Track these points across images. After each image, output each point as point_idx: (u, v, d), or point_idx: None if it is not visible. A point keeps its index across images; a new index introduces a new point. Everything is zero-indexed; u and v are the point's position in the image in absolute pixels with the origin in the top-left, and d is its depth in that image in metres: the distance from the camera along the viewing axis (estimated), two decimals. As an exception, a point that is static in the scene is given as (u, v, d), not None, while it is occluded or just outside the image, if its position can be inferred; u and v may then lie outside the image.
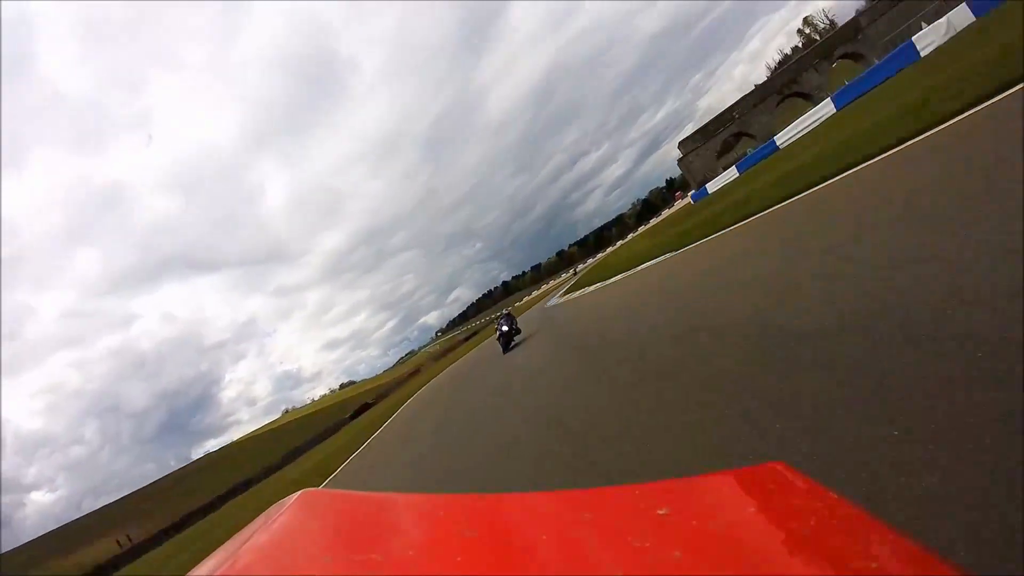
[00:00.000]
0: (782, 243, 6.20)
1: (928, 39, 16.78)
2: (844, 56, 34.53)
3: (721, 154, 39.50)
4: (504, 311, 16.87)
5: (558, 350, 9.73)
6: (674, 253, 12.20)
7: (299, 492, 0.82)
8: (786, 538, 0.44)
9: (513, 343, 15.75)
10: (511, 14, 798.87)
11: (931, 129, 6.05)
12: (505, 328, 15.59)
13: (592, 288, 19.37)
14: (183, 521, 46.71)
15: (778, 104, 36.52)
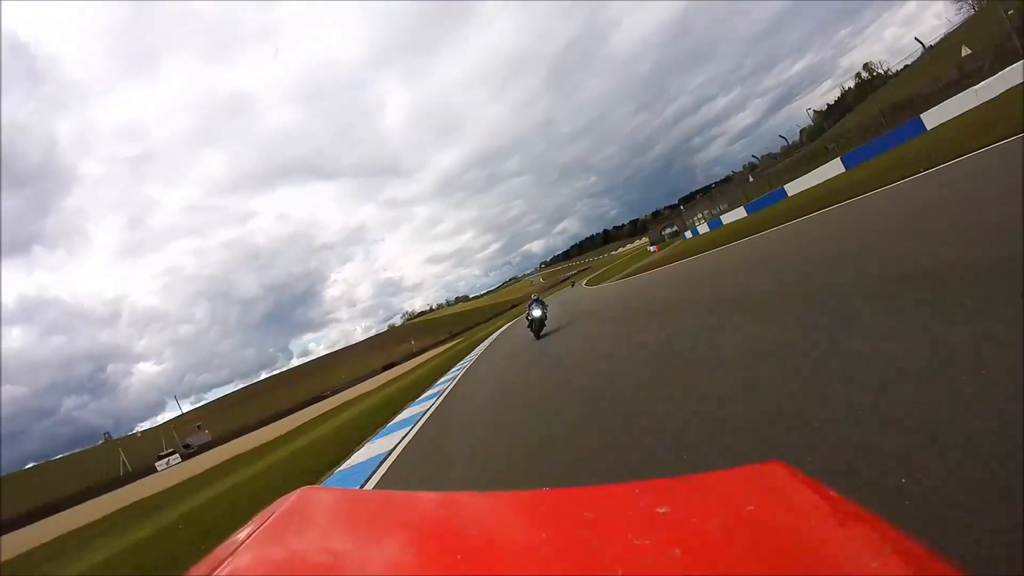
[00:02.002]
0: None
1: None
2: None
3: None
4: (534, 296, 15.91)
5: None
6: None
7: (298, 490, 0.82)
8: (786, 536, 0.44)
9: (544, 330, 14.96)
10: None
11: None
12: (537, 313, 14.69)
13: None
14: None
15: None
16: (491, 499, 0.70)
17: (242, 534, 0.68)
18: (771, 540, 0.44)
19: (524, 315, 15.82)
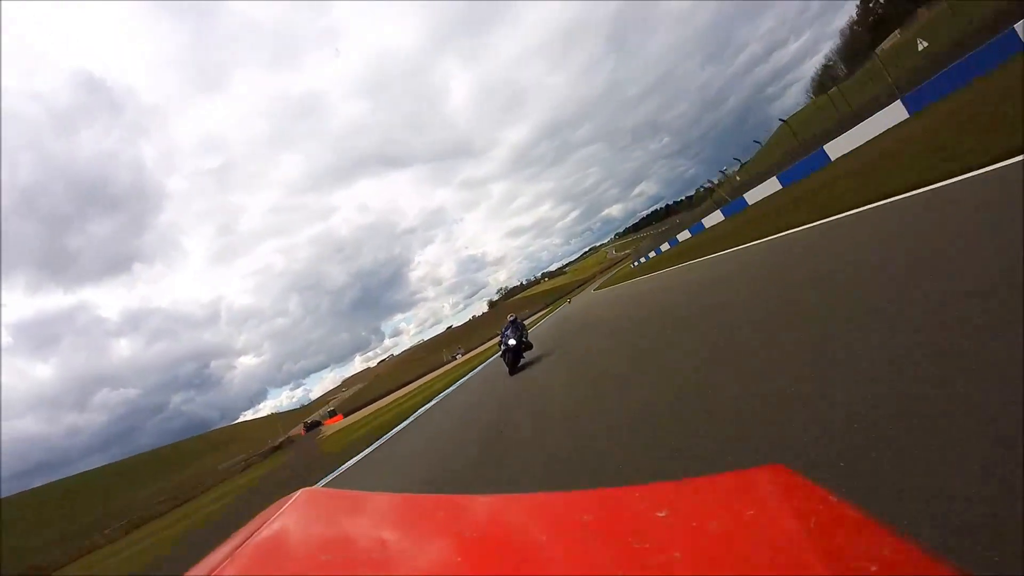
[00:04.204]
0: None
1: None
2: None
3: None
4: (510, 318, 12.14)
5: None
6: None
7: (299, 491, 0.82)
8: (785, 540, 0.43)
9: (523, 361, 11.54)
10: None
11: None
12: (512, 342, 11.17)
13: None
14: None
15: None
16: (491, 502, 0.69)
17: (242, 535, 0.68)
18: (771, 544, 0.43)
19: (499, 342, 12.10)
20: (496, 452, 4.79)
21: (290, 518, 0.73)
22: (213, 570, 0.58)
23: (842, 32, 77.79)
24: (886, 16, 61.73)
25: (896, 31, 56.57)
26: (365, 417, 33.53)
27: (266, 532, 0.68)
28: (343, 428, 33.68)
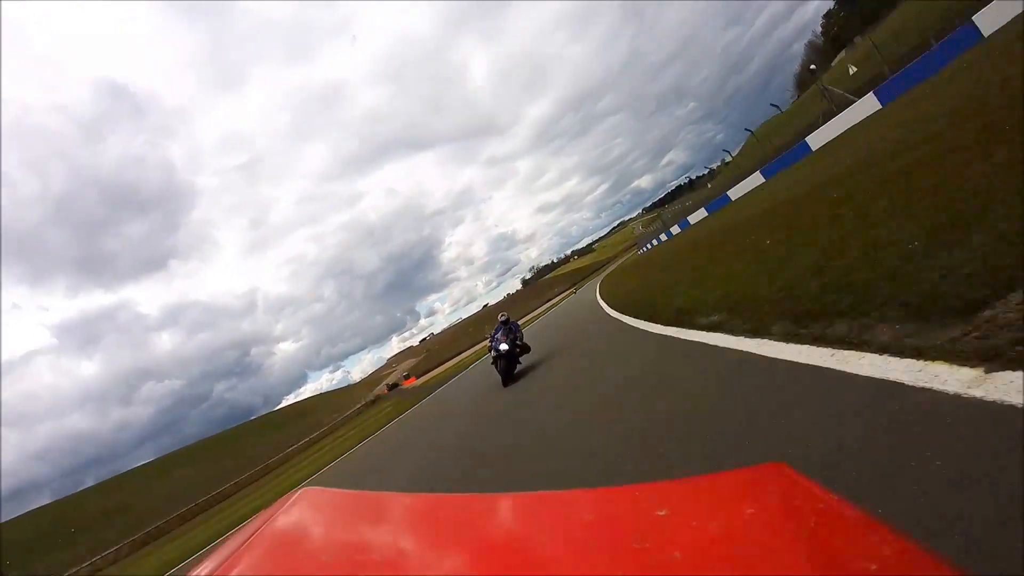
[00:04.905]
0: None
1: None
2: None
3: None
4: (502, 317, 9.81)
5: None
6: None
7: (300, 490, 0.82)
8: (786, 539, 0.43)
9: (519, 368, 9.37)
10: None
11: None
12: (504, 347, 8.90)
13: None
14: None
15: None
16: (492, 501, 0.69)
17: (244, 534, 0.68)
18: (771, 542, 0.43)
19: (488, 347, 10.03)
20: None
21: (291, 517, 0.73)
22: (215, 569, 0.58)
23: (811, 42, 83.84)
24: (840, 35, 66.59)
25: (843, 51, 61.01)
26: (433, 376, 43.08)
27: (267, 531, 0.68)
28: (420, 384, 42.05)
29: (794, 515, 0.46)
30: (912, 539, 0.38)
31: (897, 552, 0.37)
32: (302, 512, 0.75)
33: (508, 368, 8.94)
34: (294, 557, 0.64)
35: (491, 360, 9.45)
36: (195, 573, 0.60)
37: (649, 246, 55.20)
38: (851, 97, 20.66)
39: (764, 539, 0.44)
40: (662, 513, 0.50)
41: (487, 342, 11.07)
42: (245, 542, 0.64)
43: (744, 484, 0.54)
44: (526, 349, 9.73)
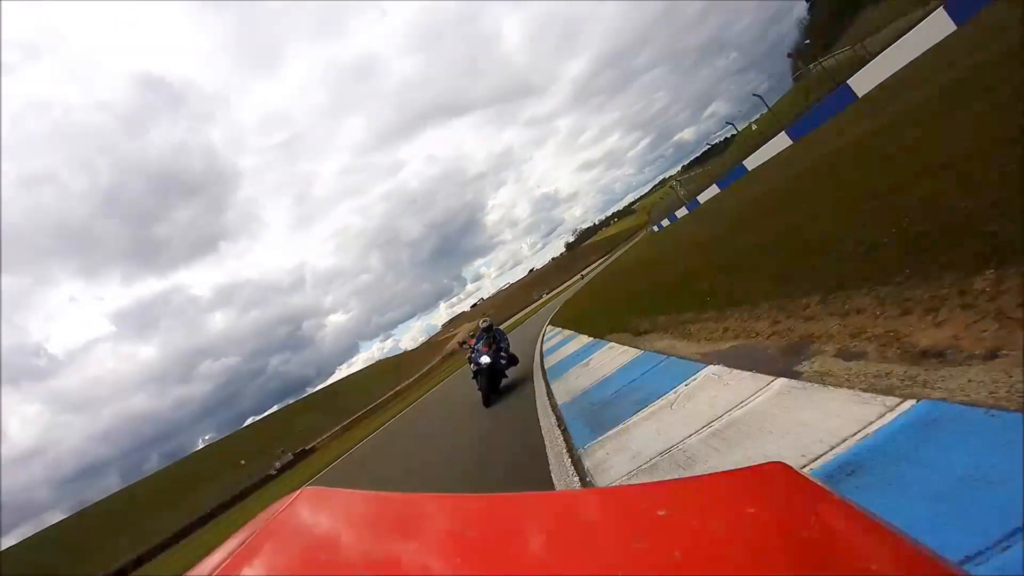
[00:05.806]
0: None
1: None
2: None
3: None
4: (483, 322, 8.77)
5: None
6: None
7: (300, 490, 0.81)
8: (786, 538, 0.43)
9: (504, 382, 8.22)
10: None
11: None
12: (486, 360, 7.58)
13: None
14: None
15: None
16: (491, 501, 0.69)
17: (244, 534, 0.68)
18: (771, 542, 0.43)
19: (468, 358, 8.44)
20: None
21: (291, 517, 0.73)
22: (215, 569, 0.58)
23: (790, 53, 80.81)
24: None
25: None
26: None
27: (267, 531, 0.68)
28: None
29: (794, 515, 0.46)
30: (912, 539, 0.38)
31: (897, 552, 0.37)
32: (302, 512, 0.75)
33: (491, 383, 7.64)
34: (294, 557, 0.64)
35: (472, 374, 8.07)
36: (195, 573, 0.59)
37: (666, 222, 45.22)
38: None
39: (764, 539, 0.44)
40: (662, 513, 0.50)
41: (460, 347, 9.29)
42: (245, 542, 0.64)
43: (744, 484, 0.53)
44: (513, 360, 8.40)
